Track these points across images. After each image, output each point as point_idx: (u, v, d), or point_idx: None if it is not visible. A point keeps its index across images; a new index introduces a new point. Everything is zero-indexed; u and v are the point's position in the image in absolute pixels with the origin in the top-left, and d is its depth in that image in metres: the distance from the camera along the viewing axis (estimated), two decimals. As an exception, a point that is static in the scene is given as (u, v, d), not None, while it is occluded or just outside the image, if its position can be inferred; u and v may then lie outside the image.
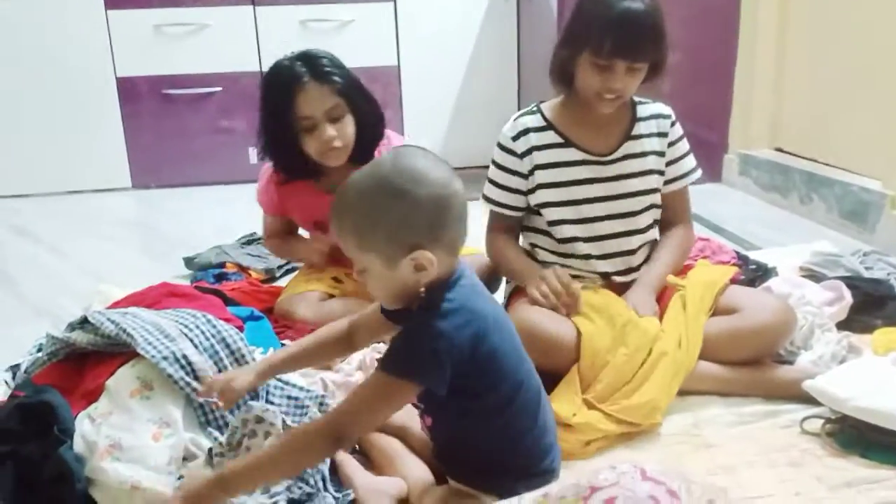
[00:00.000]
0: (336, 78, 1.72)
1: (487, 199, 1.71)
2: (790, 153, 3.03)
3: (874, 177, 2.52)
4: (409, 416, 1.29)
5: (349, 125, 1.75)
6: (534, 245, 1.71)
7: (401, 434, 1.30)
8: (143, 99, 3.58)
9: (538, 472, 1.13)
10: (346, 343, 1.26)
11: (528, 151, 1.64)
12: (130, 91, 3.55)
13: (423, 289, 1.05)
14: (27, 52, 3.41)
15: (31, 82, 3.45)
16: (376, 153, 1.81)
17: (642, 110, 1.68)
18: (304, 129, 1.73)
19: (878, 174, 2.50)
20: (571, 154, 1.63)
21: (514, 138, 1.65)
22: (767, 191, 3.03)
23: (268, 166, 1.88)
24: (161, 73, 3.57)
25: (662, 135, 1.68)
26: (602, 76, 1.53)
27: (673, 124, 1.69)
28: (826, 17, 2.79)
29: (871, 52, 2.55)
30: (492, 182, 1.69)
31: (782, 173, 2.94)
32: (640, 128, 1.66)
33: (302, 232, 2.03)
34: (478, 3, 3.72)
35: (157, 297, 1.62)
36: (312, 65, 1.71)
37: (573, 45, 1.56)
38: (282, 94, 1.71)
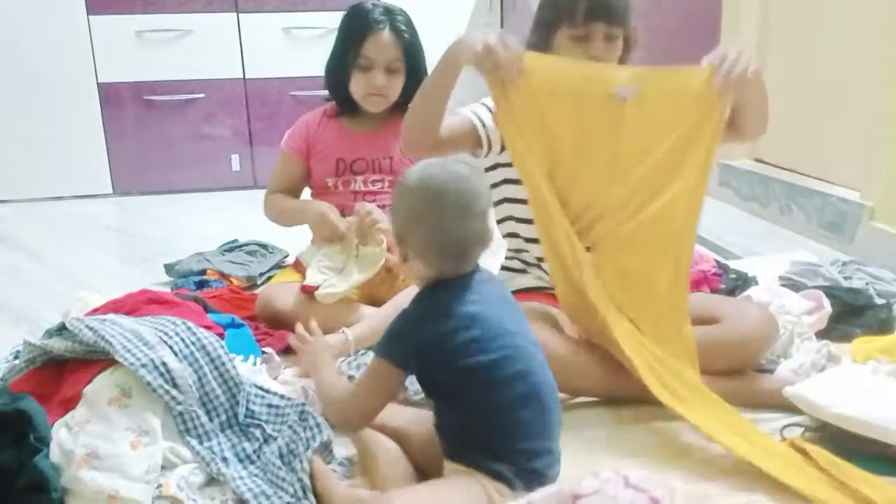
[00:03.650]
0: (406, 36, 1.91)
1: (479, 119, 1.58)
2: (770, 164, 3.06)
3: (853, 188, 2.55)
4: (406, 420, 1.30)
5: (398, 82, 1.93)
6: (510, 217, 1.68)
7: (399, 437, 1.28)
8: (125, 105, 3.56)
9: (524, 468, 1.12)
10: None
11: None
12: (112, 97, 3.53)
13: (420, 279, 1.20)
14: (7, 58, 3.38)
15: (11, 88, 3.42)
16: None
17: None
18: (360, 68, 1.90)
19: (857, 185, 2.53)
20: None
21: None
22: (747, 201, 3.06)
23: (305, 115, 2.05)
24: (143, 80, 3.55)
25: None
26: (582, 47, 1.53)
27: None
28: (806, 31, 2.82)
29: (850, 65, 2.58)
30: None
31: (762, 184, 2.97)
32: None
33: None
34: (461, 12, 3.74)
35: (136, 304, 1.60)
36: (392, 17, 1.90)
37: (546, 29, 1.57)
38: (358, 29, 1.89)
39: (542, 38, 1.59)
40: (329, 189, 1.99)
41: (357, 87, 1.92)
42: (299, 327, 1.33)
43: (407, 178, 1.18)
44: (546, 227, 1.50)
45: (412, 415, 1.33)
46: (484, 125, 1.57)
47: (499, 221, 1.71)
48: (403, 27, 1.91)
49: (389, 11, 1.92)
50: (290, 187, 2.05)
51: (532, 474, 1.12)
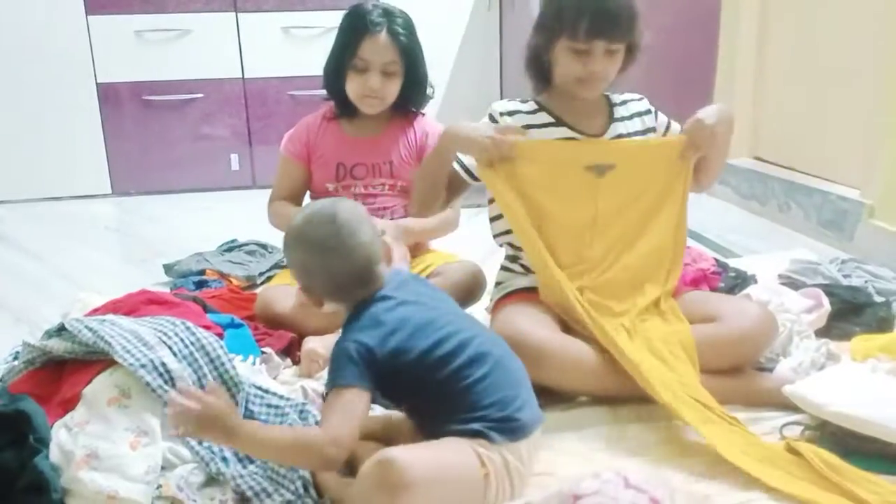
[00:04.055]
0: (403, 39, 1.89)
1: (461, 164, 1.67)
2: (769, 162, 3.06)
3: (852, 186, 2.55)
4: (395, 425, 1.32)
5: (395, 85, 1.92)
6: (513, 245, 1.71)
7: (390, 439, 1.29)
8: (123, 105, 3.55)
9: (496, 419, 1.16)
10: None
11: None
12: (111, 97, 3.53)
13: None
14: (6, 57, 3.38)
15: (10, 87, 3.41)
16: (415, 123, 2.02)
17: (615, 98, 1.69)
18: (356, 69, 1.89)
19: (856, 183, 2.53)
20: (564, 132, 1.62)
21: (508, 114, 1.65)
22: (746, 199, 3.06)
23: (305, 119, 2.04)
24: (142, 80, 3.55)
25: (645, 112, 1.70)
26: (581, 61, 1.54)
27: (655, 114, 1.71)
28: (805, 29, 2.83)
29: (849, 63, 2.58)
30: None
31: (761, 182, 2.97)
32: (619, 111, 1.68)
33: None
34: (460, 12, 3.74)
35: (135, 305, 1.60)
36: (390, 20, 1.89)
37: (547, 34, 1.57)
38: (355, 30, 1.89)
39: (542, 43, 1.59)
40: (329, 193, 1.99)
41: (352, 88, 1.92)
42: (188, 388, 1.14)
43: (287, 237, 1.26)
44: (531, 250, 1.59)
45: (398, 417, 1.35)
46: (463, 166, 1.65)
47: (497, 235, 1.73)
48: (401, 30, 1.89)
49: (389, 13, 1.90)
50: (293, 192, 2.04)
51: (506, 422, 1.16)
